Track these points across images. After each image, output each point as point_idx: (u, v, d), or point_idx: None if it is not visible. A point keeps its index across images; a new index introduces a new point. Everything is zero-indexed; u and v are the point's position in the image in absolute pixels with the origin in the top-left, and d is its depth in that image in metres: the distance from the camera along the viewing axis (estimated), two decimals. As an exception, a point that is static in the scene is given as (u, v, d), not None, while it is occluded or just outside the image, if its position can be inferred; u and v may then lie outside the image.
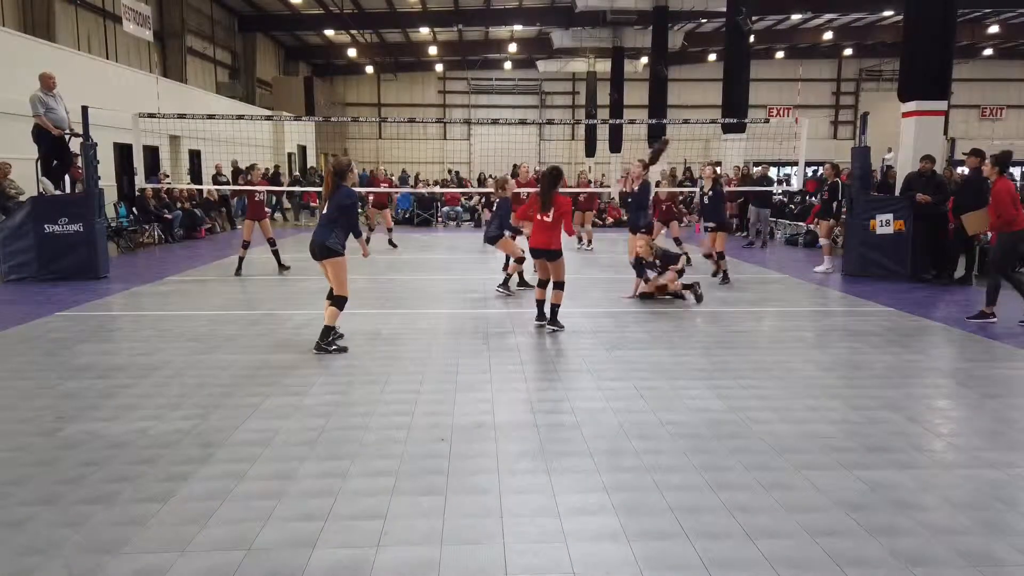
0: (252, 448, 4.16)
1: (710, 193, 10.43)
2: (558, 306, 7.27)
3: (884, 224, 10.76)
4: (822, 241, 12.22)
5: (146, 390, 5.23)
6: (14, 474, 3.80)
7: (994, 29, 31.76)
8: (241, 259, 11.07)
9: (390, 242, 14.89)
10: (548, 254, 7.17)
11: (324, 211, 6.39)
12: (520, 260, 9.42)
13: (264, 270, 11.44)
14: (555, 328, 7.17)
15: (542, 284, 7.40)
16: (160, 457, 4.02)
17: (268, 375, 5.63)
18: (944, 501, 3.56)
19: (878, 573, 2.93)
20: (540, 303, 7.45)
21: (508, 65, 37.77)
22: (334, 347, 6.32)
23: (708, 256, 10.77)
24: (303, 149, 30.61)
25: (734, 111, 19.16)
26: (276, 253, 11.30)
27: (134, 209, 15.49)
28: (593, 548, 3.10)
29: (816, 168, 23.11)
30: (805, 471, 3.89)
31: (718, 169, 12.08)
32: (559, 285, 7.25)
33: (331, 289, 6.37)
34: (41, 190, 10.70)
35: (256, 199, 11.24)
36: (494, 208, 9.80)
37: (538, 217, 7.19)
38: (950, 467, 4.00)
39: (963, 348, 6.78)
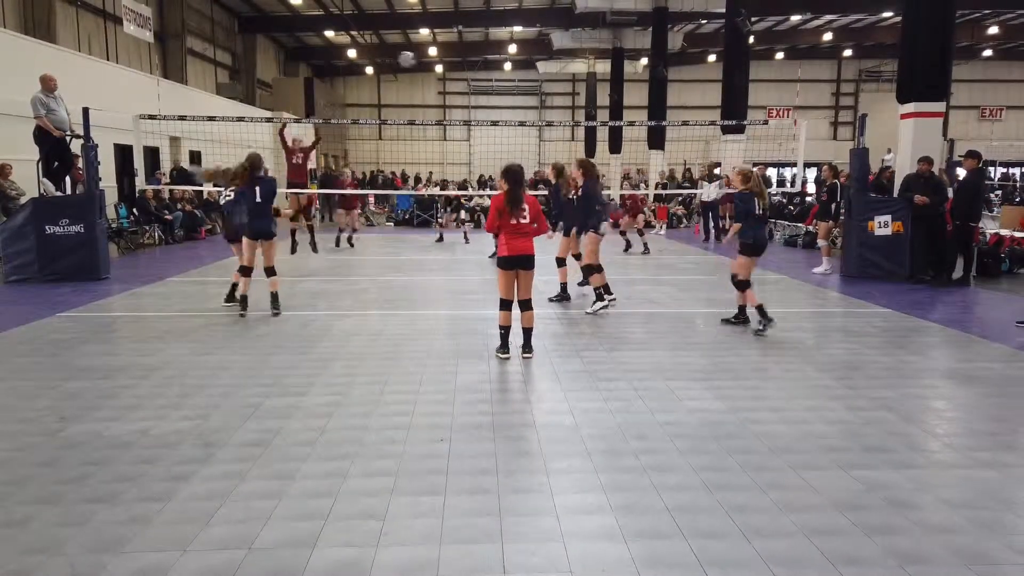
0: (253, 448, 4.18)
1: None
2: (532, 329, 6.41)
3: (883, 225, 10.79)
4: (820, 242, 12.24)
5: (147, 391, 5.26)
6: (16, 474, 3.83)
7: (994, 30, 31.79)
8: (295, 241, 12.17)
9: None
10: (529, 261, 6.25)
11: (258, 200, 7.69)
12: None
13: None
14: (530, 355, 6.28)
15: (506, 305, 6.30)
16: (161, 457, 4.05)
17: (269, 376, 5.66)
18: (940, 501, 3.58)
19: (873, 572, 2.96)
20: (507, 330, 6.30)
21: (508, 66, 37.79)
22: (243, 312, 7.85)
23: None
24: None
25: (733, 112, 19.18)
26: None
27: (134, 210, 15.52)
28: (591, 547, 3.13)
29: (817, 168, 23.14)
30: (802, 471, 3.91)
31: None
32: (530, 304, 6.36)
33: (267, 266, 7.98)
34: (42, 191, 10.73)
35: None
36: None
37: (513, 221, 6.17)
38: (946, 467, 4.03)
39: (960, 349, 6.81)
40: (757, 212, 7.31)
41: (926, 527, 3.31)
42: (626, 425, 4.61)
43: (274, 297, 8.04)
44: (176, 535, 3.20)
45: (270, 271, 8.04)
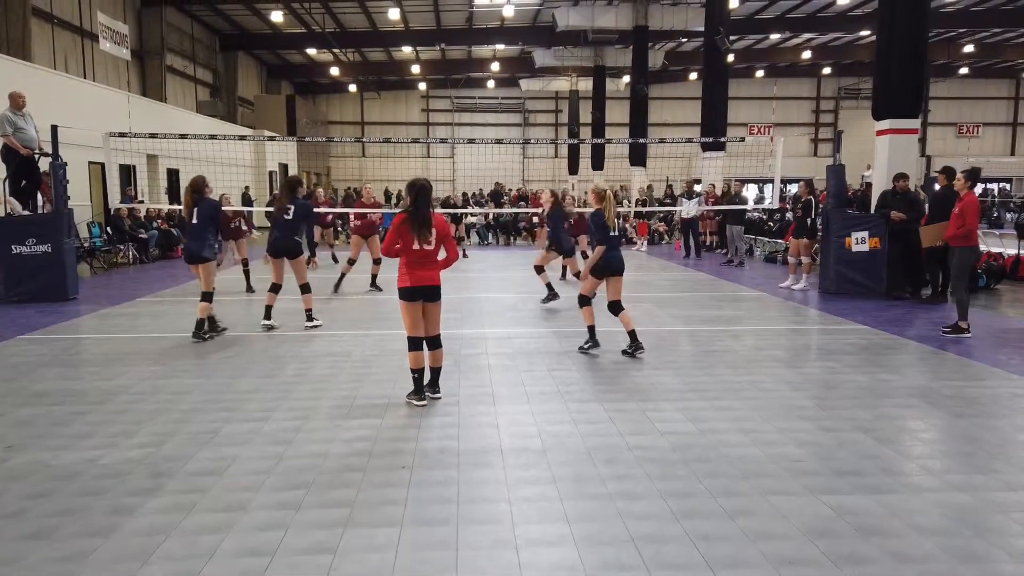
0: (205, 478, 4.02)
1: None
2: (440, 369, 5.65)
3: (860, 242, 10.79)
4: (791, 259, 12.19)
5: (102, 417, 5.09)
6: (-48, 508, 3.65)
7: (969, 48, 32.30)
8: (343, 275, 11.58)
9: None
10: (434, 292, 5.43)
11: (194, 222, 7.56)
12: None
13: (236, 288, 11.27)
14: (439, 395, 5.58)
15: (417, 344, 5.47)
16: (108, 489, 3.88)
17: (230, 400, 5.50)
18: (912, 527, 3.48)
19: (841, 605, 2.85)
20: (420, 373, 5.47)
21: (491, 83, 37.94)
22: (208, 335, 7.62)
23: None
24: (284, 167, 30.47)
25: (713, 129, 19.24)
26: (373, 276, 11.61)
27: (108, 229, 15.30)
28: (549, 582, 3.00)
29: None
30: (771, 496, 3.80)
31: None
32: (439, 341, 5.57)
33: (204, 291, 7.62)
34: (9, 210, 10.52)
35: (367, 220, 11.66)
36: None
37: (416, 247, 5.33)
38: (919, 491, 3.93)
39: (935, 367, 6.74)
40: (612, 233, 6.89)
41: (897, 556, 3.21)
42: (595, 449, 4.50)
43: (199, 324, 7.60)
44: (111, 575, 3.03)
45: (204, 294, 7.62)
